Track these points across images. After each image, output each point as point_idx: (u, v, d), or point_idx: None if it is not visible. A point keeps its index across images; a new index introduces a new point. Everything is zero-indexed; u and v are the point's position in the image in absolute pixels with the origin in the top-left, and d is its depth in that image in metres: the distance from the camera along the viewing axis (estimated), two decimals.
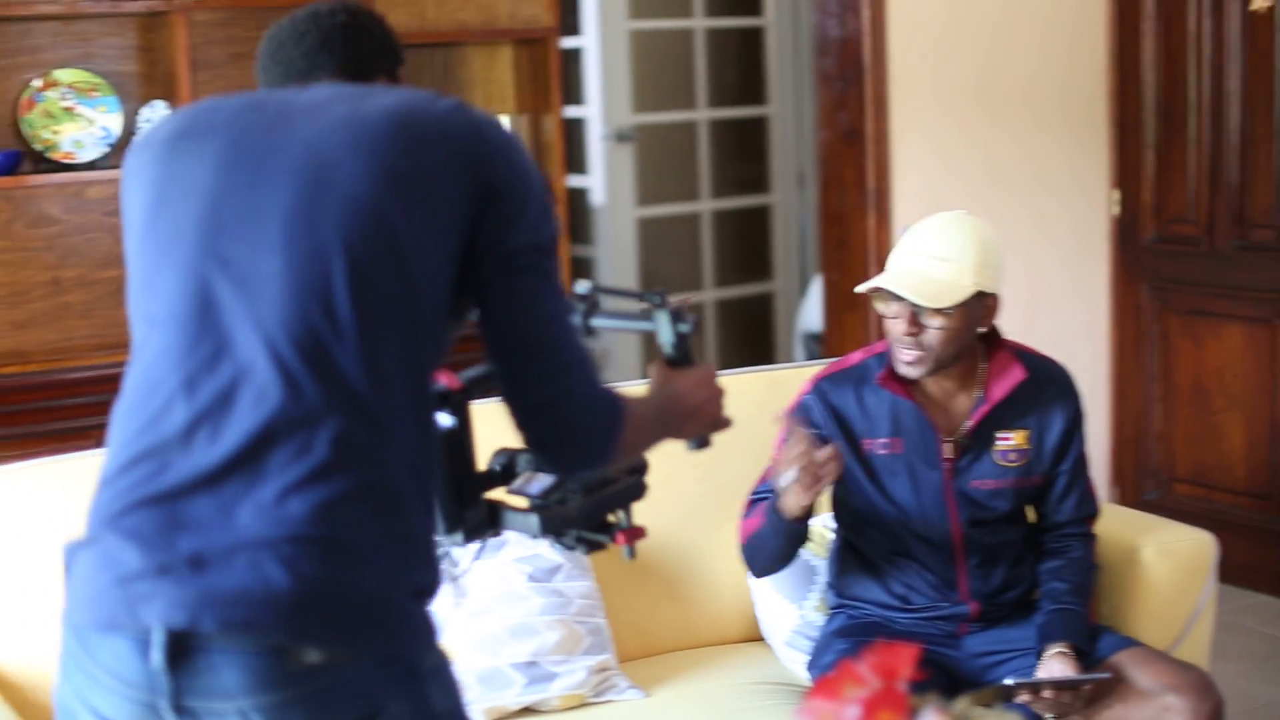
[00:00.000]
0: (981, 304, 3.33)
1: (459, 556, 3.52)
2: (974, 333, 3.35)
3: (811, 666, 3.51)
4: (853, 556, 3.51)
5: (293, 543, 1.96)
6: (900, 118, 5.71)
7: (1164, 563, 3.59)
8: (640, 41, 7.94)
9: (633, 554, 2.35)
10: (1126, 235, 6.01)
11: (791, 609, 3.67)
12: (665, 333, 2.36)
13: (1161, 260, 5.89)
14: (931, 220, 3.36)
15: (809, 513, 3.27)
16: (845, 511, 3.50)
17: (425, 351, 2.10)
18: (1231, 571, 5.50)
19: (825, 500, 3.52)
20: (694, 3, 8.07)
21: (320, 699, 1.98)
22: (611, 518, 2.35)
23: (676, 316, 2.36)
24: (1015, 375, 3.39)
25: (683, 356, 2.37)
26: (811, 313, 7.44)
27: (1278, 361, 5.52)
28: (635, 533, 2.35)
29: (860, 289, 3.36)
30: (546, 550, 3.54)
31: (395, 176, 2.06)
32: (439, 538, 2.19)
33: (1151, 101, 5.84)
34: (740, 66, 8.40)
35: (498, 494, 2.30)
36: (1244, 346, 5.62)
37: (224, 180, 2.10)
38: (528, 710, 3.41)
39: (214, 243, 2.07)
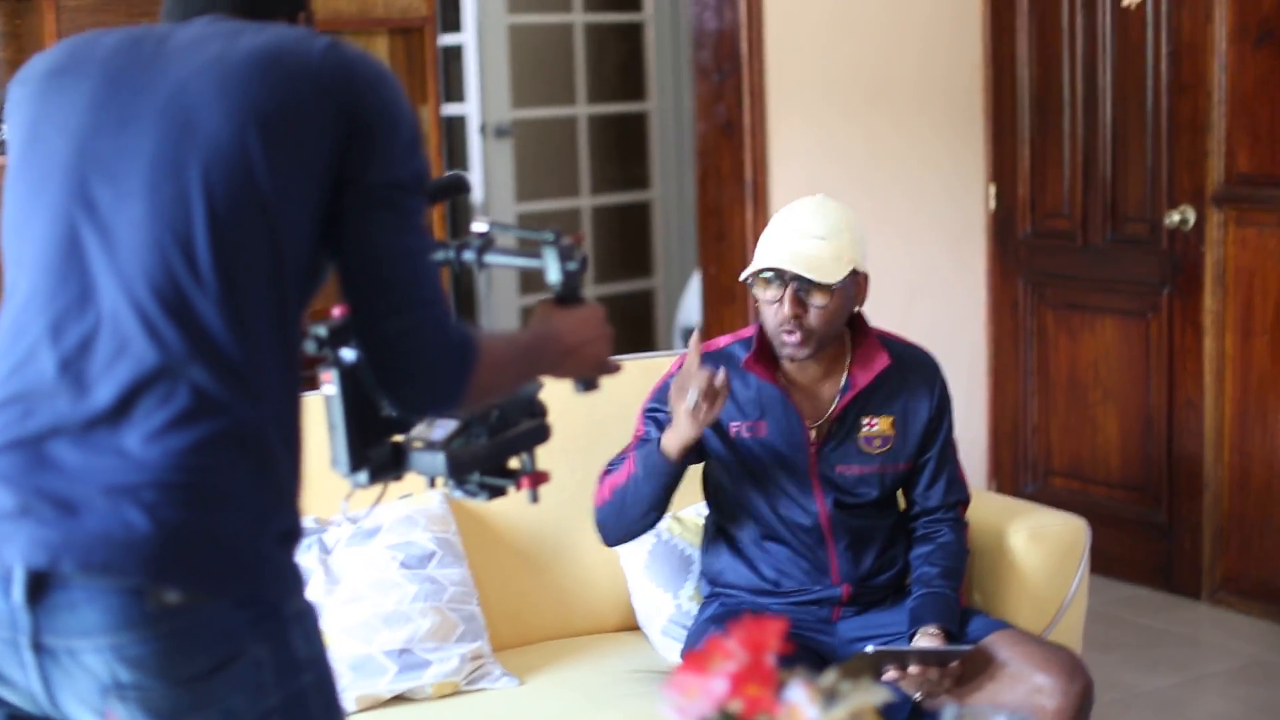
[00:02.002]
0: (855, 282, 3.38)
1: (330, 542, 3.49)
2: (850, 312, 3.39)
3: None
4: (725, 542, 3.52)
5: (154, 488, 1.98)
6: (778, 110, 5.71)
7: (1036, 548, 3.61)
8: (519, 37, 7.92)
9: (536, 498, 2.35)
10: (1003, 229, 6.06)
11: (667, 598, 3.67)
12: (553, 270, 2.36)
13: (1037, 254, 5.94)
14: (800, 203, 3.41)
15: (688, 456, 3.29)
16: (716, 494, 3.51)
17: (289, 299, 2.10)
18: (1108, 563, 5.57)
19: (697, 489, 3.53)
20: None
21: (179, 638, 1.99)
22: (515, 463, 2.34)
23: (565, 254, 2.35)
24: (880, 361, 3.43)
25: (569, 294, 2.36)
26: (691, 307, 7.45)
27: (1151, 355, 5.58)
28: (539, 477, 2.34)
29: (746, 273, 3.37)
30: (420, 537, 3.51)
31: (258, 118, 2.06)
32: (344, 477, 2.18)
33: (1026, 97, 5.89)
34: (619, 62, 8.40)
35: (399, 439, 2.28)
36: (1118, 340, 5.68)
37: (94, 120, 2.11)
38: (400, 698, 3.38)
39: (82, 186, 2.08)
